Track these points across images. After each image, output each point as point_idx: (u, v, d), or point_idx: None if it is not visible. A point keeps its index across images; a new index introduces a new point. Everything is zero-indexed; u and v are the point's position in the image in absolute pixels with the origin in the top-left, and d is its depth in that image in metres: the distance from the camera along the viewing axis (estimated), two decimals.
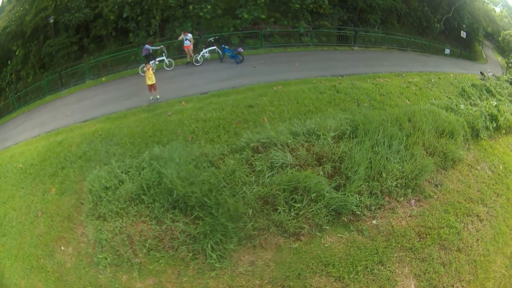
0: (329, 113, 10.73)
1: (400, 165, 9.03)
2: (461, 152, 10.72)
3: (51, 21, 15.05)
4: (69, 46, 16.76)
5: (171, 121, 10.61)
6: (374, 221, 8.35)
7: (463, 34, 21.36)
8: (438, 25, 21.18)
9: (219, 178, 7.96)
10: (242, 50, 14.20)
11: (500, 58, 23.56)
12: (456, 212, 9.07)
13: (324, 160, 8.57)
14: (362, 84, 13.26)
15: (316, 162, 8.55)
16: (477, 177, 10.67)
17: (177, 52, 15.75)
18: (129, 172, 8.53)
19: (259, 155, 8.64)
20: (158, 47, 14.07)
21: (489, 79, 19.06)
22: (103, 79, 15.60)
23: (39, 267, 8.35)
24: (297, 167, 8.34)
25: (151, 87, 11.88)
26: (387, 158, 8.93)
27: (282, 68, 14.01)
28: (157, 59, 14.19)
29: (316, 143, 8.77)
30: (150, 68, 11.74)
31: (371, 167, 8.64)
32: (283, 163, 8.33)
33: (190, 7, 16.21)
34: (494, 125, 13.72)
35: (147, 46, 13.86)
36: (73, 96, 15.04)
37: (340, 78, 13.51)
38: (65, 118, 12.94)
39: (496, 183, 10.78)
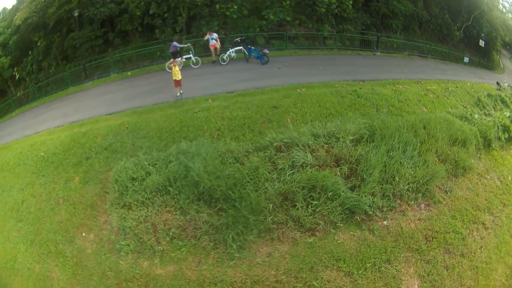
0: (349, 117, 12.11)
1: (412, 170, 10.29)
2: (472, 161, 11.64)
3: (76, 14, 16.83)
4: (94, 39, 18.80)
5: (197, 118, 12.15)
6: (385, 222, 9.60)
7: (482, 42, 22.61)
8: (458, 33, 22.53)
9: (243, 173, 9.27)
10: (267, 51, 15.86)
11: None
12: (463, 219, 10.01)
13: (342, 161, 10.01)
14: (382, 90, 14.71)
15: (334, 163, 10.03)
16: (485, 186, 11.52)
17: (203, 50, 17.62)
18: (156, 164, 9.59)
19: (282, 154, 10.16)
20: (186, 45, 15.82)
21: (504, 89, 20.07)
22: (129, 73, 17.50)
23: (57, 252, 9.13)
24: (316, 167, 9.81)
25: (177, 83, 13.37)
26: (400, 163, 10.18)
27: (306, 70, 15.58)
28: (184, 57, 15.95)
29: (336, 145, 10.25)
30: (177, 65, 13.23)
31: (385, 171, 9.97)
32: (303, 163, 9.80)
33: (217, 6, 18.03)
34: (506, 136, 14.82)
35: (174, 43, 15.60)
36: (97, 89, 16.94)
37: (361, 83, 14.98)
38: (90, 110, 14.56)
39: (504, 193, 11.62)
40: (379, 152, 10.03)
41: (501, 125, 14.99)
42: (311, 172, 9.52)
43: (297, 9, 19.79)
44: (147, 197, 8.94)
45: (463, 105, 16.31)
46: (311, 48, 19.23)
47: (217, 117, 12.08)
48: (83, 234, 9.20)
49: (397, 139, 10.57)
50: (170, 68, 13.50)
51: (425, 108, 14.49)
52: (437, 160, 10.92)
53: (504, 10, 25.55)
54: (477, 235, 10.13)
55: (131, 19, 18.50)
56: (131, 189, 9.13)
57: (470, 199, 10.84)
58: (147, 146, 10.77)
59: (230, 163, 9.79)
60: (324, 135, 10.55)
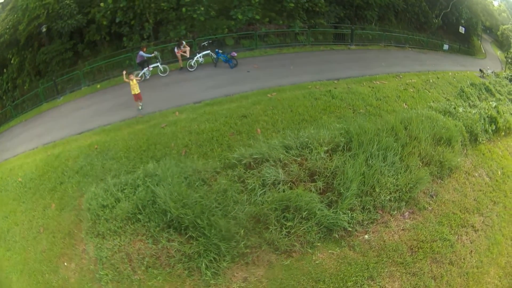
0: (323, 121, 10.56)
1: (394, 178, 8.87)
2: (458, 159, 10.46)
3: (44, 30, 14.82)
4: (63, 52, 16.56)
5: (164, 134, 10.52)
6: (366, 236, 8.24)
7: (462, 29, 20.91)
8: (436, 21, 20.65)
9: (211, 199, 7.92)
10: (235, 54, 13.93)
11: (499, 53, 23.13)
12: (451, 224, 8.90)
13: (316, 176, 8.46)
14: (358, 88, 13.00)
15: (308, 177, 8.45)
16: (474, 184, 10.42)
17: (172, 56, 15.51)
18: (125, 190, 8.53)
19: (252, 171, 8.56)
20: (152, 54, 13.80)
21: (488, 76, 18.66)
22: (98, 86, 15.47)
23: (45, 282, 8.49)
24: (289, 184, 8.25)
25: (137, 96, 11.83)
26: (381, 172, 8.76)
27: (277, 72, 13.72)
28: (151, 66, 13.98)
29: (309, 157, 8.64)
30: (134, 78, 11.60)
31: (365, 182, 8.50)
32: (275, 180, 8.23)
33: (183, 9, 15.86)
34: (493, 127, 13.42)
35: (141, 53, 13.63)
36: (69, 105, 14.96)
37: (336, 82, 13.24)
38: (62, 129, 12.88)
39: (494, 190, 10.56)
40: (356, 162, 8.54)
41: (487, 117, 13.44)
42: (284, 190, 8.15)
43: (266, 6, 17.62)
44: (118, 226, 8.03)
45: (445, 98, 14.76)
46: (283, 46, 17.21)
47: (184, 132, 10.43)
48: (65, 264, 8.51)
49: (376, 146, 9.21)
50: (131, 80, 11.63)
51: (406, 104, 12.85)
52: (420, 164, 9.61)
53: None
54: (466, 239, 8.88)
55: (98, 29, 16.30)
56: (102, 217, 8.24)
57: (457, 202, 9.53)
58: (116, 168, 9.57)
59: (197, 186, 8.49)
60: (296, 147, 9.00)
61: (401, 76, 15.11)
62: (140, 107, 12.02)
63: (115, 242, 7.91)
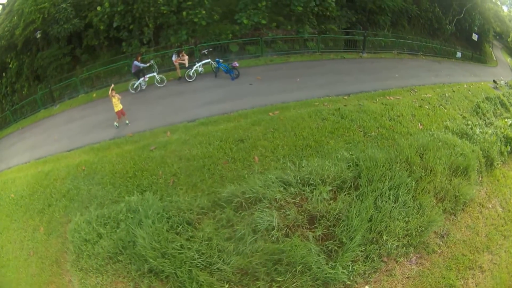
0: (330, 147, 9.14)
1: (405, 222, 7.51)
2: (474, 191, 9.37)
3: (38, 36, 13.77)
4: (61, 57, 15.52)
5: (153, 158, 9.30)
6: (366, 287, 6.96)
7: (475, 36, 19.48)
8: (450, 27, 18.86)
9: (194, 248, 6.73)
10: (237, 64, 12.51)
11: (509, 60, 21.77)
12: (459, 267, 7.79)
13: (317, 220, 7.11)
14: (370, 105, 11.42)
15: (307, 222, 7.11)
16: (486, 218, 9.32)
17: (172, 63, 14.28)
18: (107, 225, 7.81)
19: (243, 213, 7.28)
20: (148, 64, 12.57)
21: (502, 87, 17.08)
22: (94, 95, 14.41)
23: None
24: (284, 230, 6.94)
25: (120, 113, 10.85)
26: (390, 215, 7.37)
27: (281, 85, 12.24)
28: (147, 75, 12.76)
29: (310, 198, 7.29)
30: (116, 95, 10.65)
31: (371, 228, 7.13)
32: (269, 225, 6.95)
33: (184, 13, 14.49)
34: (509, 148, 12.10)
35: (136, 62, 12.40)
36: (63, 115, 13.99)
37: (346, 98, 11.68)
38: (53, 143, 12.05)
39: (505, 223, 9.42)
40: (364, 206, 7.13)
41: (503, 137, 12.24)
42: (278, 237, 6.86)
43: (274, 10, 16.04)
44: (100, 264, 7.41)
45: (461, 115, 13.02)
46: (291, 53, 15.66)
47: (174, 157, 9.19)
48: None
49: (388, 183, 7.80)
50: (113, 96, 10.81)
51: (421, 125, 11.19)
52: (434, 201, 8.37)
53: (493, 0, 22.50)
54: (472, 282, 7.78)
55: (96, 33, 15.16)
56: (85, 252, 7.66)
57: (468, 241, 8.40)
58: (101, 196, 8.74)
59: (181, 229, 7.35)
60: (297, 183, 7.64)
61: (415, 90, 13.40)
62: (127, 122, 11.01)
63: (97, 280, 7.34)
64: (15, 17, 14.96)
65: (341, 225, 6.97)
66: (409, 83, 13.85)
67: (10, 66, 16.40)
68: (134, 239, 7.16)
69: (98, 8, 14.33)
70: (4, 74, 16.83)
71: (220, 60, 12.73)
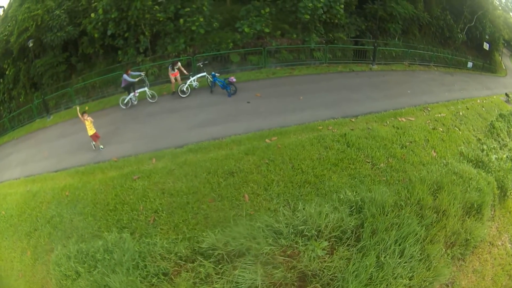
0: (332, 184, 7.84)
1: (408, 278, 6.22)
2: (485, 230, 8.42)
3: (30, 44, 12.78)
4: (56, 65, 14.60)
5: (135, 190, 8.18)
6: None
7: (486, 46, 18.39)
8: (461, 35, 17.43)
9: None
10: (234, 80, 11.17)
11: None
12: None
13: (308, 280, 5.85)
14: (380, 130, 10.00)
15: (296, 282, 5.85)
16: (495, 258, 8.37)
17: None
18: (85, 263, 7.00)
19: (225, 267, 6.08)
20: (137, 78, 11.39)
21: None
22: (87, 107, 13.27)
23: None
24: None
25: (94, 136, 9.90)
26: (393, 272, 6.06)
27: (282, 104, 10.86)
28: (137, 91, 11.62)
29: (303, 252, 6.02)
30: (88, 119, 9.67)
31: None
32: (251, 284, 5.74)
33: (181, 20, 13.24)
34: None
35: (125, 76, 11.21)
36: (56, 128, 13.12)
37: (353, 120, 10.27)
38: (43, 160, 11.21)
39: None
40: (363, 264, 5.80)
41: None
42: None
43: (279, 16, 14.62)
44: None
45: (476, 137, 11.67)
46: (296, 64, 14.22)
47: (157, 190, 8.02)
48: None
49: (395, 234, 6.49)
50: (85, 120, 9.80)
51: (434, 152, 9.80)
52: (444, 249, 7.25)
53: (501, 7, 21.46)
54: None
55: (91, 41, 14.13)
56: None
57: None
58: (82, 227, 7.92)
59: (156, 280, 6.29)
60: (288, 233, 6.32)
61: (429, 109, 11.96)
62: (101, 147, 10.02)
63: None
64: (10, 24, 14.02)
65: (336, 286, 5.65)
66: (422, 100, 12.42)
67: (7, 72, 15.66)
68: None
69: (92, 15, 13.23)
70: (1, 80, 16.10)
71: (217, 74, 11.41)
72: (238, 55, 13.68)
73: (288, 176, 7.90)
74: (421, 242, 6.88)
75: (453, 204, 7.77)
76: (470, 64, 17.85)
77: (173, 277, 6.22)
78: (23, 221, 9.08)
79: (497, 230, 9.03)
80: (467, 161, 9.97)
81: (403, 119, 10.98)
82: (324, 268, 5.94)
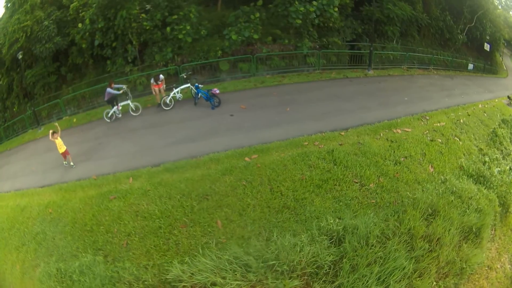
0: (313, 209, 7.14)
1: None
2: (484, 254, 7.64)
3: (20, 56, 12.47)
4: (47, 76, 14.32)
5: (111, 211, 7.76)
6: None
7: (487, 46, 17.56)
8: (461, 36, 16.37)
9: None
10: (217, 91, 10.53)
11: None
12: None
13: None
14: (372, 144, 9.18)
15: None
16: (492, 283, 7.58)
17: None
18: (63, 283, 6.87)
19: None
20: (120, 91, 10.90)
21: None
22: (74, 119, 13.09)
23: None
24: None
25: (64, 154, 9.71)
26: None
27: (267, 116, 10.16)
28: (120, 104, 11.15)
29: None
30: (58, 137, 9.54)
31: None
32: None
33: (168, 29, 12.65)
34: None
35: (108, 89, 10.77)
36: (44, 140, 12.76)
37: (343, 133, 9.47)
38: (30, 175, 11.04)
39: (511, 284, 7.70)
40: None
41: None
42: None
43: (272, 21, 13.85)
44: None
45: (477, 147, 10.76)
46: (288, 71, 13.45)
47: (131, 212, 7.53)
48: None
49: (378, 269, 5.77)
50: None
51: (432, 167, 8.94)
52: (435, 282, 6.47)
53: (501, 7, 20.65)
54: None
55: (80, 51, 13.73)
56: None
57: None
58: (62, 246, 7.72)
59: None
60: (258, 267, 5.70)
61: (427, 118, 11.04)
62: (71, 164, 9.77)
63: None
64: (1, 36, 13.80)
65: None
66: (420, 109, 11.51)
67: (1, 82, 15.51)
68: None
69: (79, 25, 12.78)
70: None
71: (200, 85, 10.79)
72: (228, 63, 13.03)
73: (266, 200, 7.24)
74: (409, 276, 6.15)
75: (449, 231, 6.99)
76: (471, 66, 17.06)
77: None
78: (12, 235, 8.96)
79: (497, 252, 8.32)
80: (468, 176, 9.16)
81: (399, 131, 10.13)
82: None
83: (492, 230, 8.39)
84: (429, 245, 6.65)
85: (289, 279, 5.56)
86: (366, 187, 7.88)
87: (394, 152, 9.10)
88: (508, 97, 15.20)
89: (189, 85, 10.93)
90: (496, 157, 10.74)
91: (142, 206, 7.66)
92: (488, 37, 18.29)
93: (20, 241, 8.56)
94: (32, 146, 13.27)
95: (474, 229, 7.39)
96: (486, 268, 7.76)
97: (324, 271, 5.82)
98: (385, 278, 5.88)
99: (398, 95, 12.08)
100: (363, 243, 6.20)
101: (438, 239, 6.82)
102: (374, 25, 13.86)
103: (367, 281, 5.73)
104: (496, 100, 14.91)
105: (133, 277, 6.29)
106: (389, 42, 14.98)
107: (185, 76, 11.18)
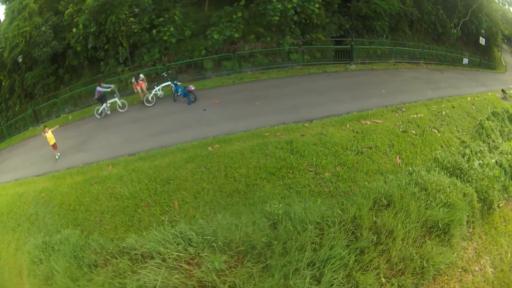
0: (263, 194, 8.35)
1: None
2: (455, 255, 7.68)
3: (20, 60, 14.98)
4: (46, 77, 16.79)
5: (91, 193, 9.62)
6: None
7: (482, 40, 17.91)
8: (455, 31, 16.99)
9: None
10: (193, 88, 12.30)
11: None
12: None
13: None
14: (335, 134, 10.33)
15: None
16: None
17: (148, 80, 14.63)
18: (46, 252, 8.51)
19: (139, 266, 7.15)
20: (108, 89, 12.97)
21: (511, 97, 15.55)
22: (70, 117, 15.33)
23: None
24: None
25: (53, 147, 11.71)
26: None
27: (238, 110, 11.70)
28: (109, 101, 13.20)
29: (206, 262, 6.86)
30: (49, 131, 11.52)
31: None
32: (155, 285, 6.72)
33: (154, 31, 14.65)
34: None
35: (98, 88, 12.87)
36: (43, 136, 15.17)
37: (306, 125, 10.76)
38: (29, 167, 13.10)
39: None
40: (267, 284, 6.22)
41: (509, 166, 10.40)
42: None
43: (257, 20, 15.46)
44: (39, 284, 8.13)
45: (459, 139, 11.29)
46: (271, 68, 14.98)
47: (106, 194, 9.38)
48: None
49: (309, 255, 6.53)
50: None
51: (400, 158, 9.66)
52: (384, 280, 6.74)
53: (497, 1, 21.17)
54: None
55: (76, 53, 16.10)
56: (32, 272, 8.45)
57: None
58: (49, 224, 9.53)
59: (87, 269, 7.59)
60: (198, 242, 7.16)
61: (403, 109, 11.79)
62: (57, 157, 11.77)
63: None
64: (2, 41, 16.44)
65: None
66: (397, 101, 12.34)
67: (3, 84, 18.20)
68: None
69: (74, 29, 15.11)
70: None
71: (178, 83, 12.62)
72: (211, 62, 14.76)
73: (219, 185, 8.71)
74: (352, 268, 6.57)
75: (405, 224, 7.29)
76: (466, 61, 17.65)
77: (100, 269, 7.42)
78: (10, 218, 10.77)
79: (475, 252, 8.31)
80: (442, 168, 9.47)
81: (368, 122, 10.91)
82: (220, 283, 6.42)
83: (469, 227, 8.57)
84: (377, 237, 7.04)
85: (224, 255, 6.70)
86: (321, 175, 8.92)
87: (357, 142, 10.00)
88: (502, 90, 15.60)
89: (169, 83, 12.78)
90: (480, 149, 11.02)
91: (116, 189, 9.46)
92: (483, 31, 18.76)
93: (16, 223, 10.32)
94: (32, 142, 15.57)
95: (440, 225, 7.58)
96: (460, 270, 7.76)
97: (257, 252, 6.66)
98: (320, 266, 6.38)
99: (376, 88, 13.05)
100: (299, 228, 6.87)
101: (390, 231, 7.15)
102: (362, 21, 15.03)
103: (297, 265, 6.32)
104: (489, 94, 15.29)
105: (99, 246, 7.93)
106: (378, 37, 16.05)
107: (165, 75, 13.04)
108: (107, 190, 9.60)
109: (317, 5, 14.50)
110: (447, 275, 7.55)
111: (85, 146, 12.20)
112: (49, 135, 11.49)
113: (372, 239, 7.03)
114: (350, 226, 7.20)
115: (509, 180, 10.17)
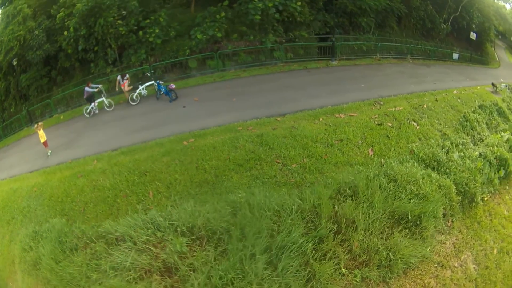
0: (231, 184, 9.24)
1: None
2: (428, 249, 7.85)
3: (14, 63, 16.30)
4: (40, 79, 18.12)
5: (77, 186, 10.72)
6: None
7: (473, 35, 18.66)
8: (445, 26, 17.47)
9: (67, 272, 8.08)
10: (174, 86, 13.37)
11: None
12: None
13: (173, 271, 7.55)
14: (306, 128, 11.12)
15: (159, 271, 7.57)
16: (444, 285, 7.66)
17: (135, 80, 15.73)
18: (35, 240, 9.45)
19: (112, 249, 8.21)
20: (96, 89, 14.15)
21: (502, 91, 15.83)
22: (61, 116, 16.57)
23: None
24: (139, 273, 7.66)
25: (44, 144, 12.75)
26: (259, 284, 6.67)
27: (215, 106, 12.66)
28: (97, 101, 14.36)
29: (170, 245, 7.84)
30: (41, 128, 12.62)
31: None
32: (126, 265, 7.75)
33: (140, 33, 15.77)
34: (502, 174, 10.57)
35: (86, 88, 14.09)
36: (36, 136, 16.26)
37: (279, 119, 11.62)
38: (24, 164, 14.26)
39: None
40: (221, 267, 6.98)
41: (495, 158, 10.61)
42: (133, 278, 7.53)
43: (241, 19, 16.44)
44: (29, 270, 9.04)
45: (441, 132, 11.78)
46: (254, 66, 15.93)
47: (90, 187, 10.46)
48: (10, 284, 10.15)
49: (264, 241, 7.20)
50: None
51: (372, 150, 10.31)
52: (344, 270, 7.12)
53: None
54: None
55: (67, 56, 17.37)
56: (23, 259, 9.35)
57: None
58: (40, 215, 10.53)
59: (69, 253, 8.64)
60: (165, 227, 8.13)
61: (381, 103, 12.39)
62: (48, 154, 12.91)
63: (28, 281, 9.08)
64: None
65: (190, 284, 6.93)
66: (375, 94, 12.88)
67: None
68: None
69: (65, 32, 16.36)
70: None
71: (161, 82, 13.70)
72: (196, 61, 15.80)
73: (190, 176, 9.70)
74: (311, 256, 6.99)
75: (368, 214, 7.57)
76: (455, 56, 18.16)
77: (80, 252, 8.47)
78: (5, 212, 11.73)
79: (455, 247, 8.37)
80: (417, 160, 9.74)
81: (342, 116, 11.53)
82: (181, 264, 7.20)
83: (447, 221, 8.70)
84: (338, 227, 7.41)
85: (185, 238, 7.60)
86: (288, 167, 9.74)
87: (328, 135, 10.71)
88: (493, 84, 16.06)
89: (152, 82, 13.87)
90: (463, 142, 11.40)
91: (99, 181, 10.53)
92: (474, 26, 19.14)
93: (10, 216, 11.29)
94: (26, 141, 16.80)
95: (410, 216, 7.79)
96: (436, 265, 7.82)
97: (217, 236, 7.47)
98: (278, 252, 6.90)
99: (355, 83, 13.75)
100: (258, 214, 7.54)
101: (351, 221, 7.52)
102: (348, 18, 15.83)
103: (252, 251, 6.91)
104: (479, 88, 15.72)
105: (81, 232, 9.00)
106: (364, 34, 16.79)
107: (149, 75, 14.15)
108: (91, 183, 10.65)
109: (299, 3, 15.36)
110: (421, 270, 7.67)
111: (75, 143, 13.34)
112: (41, 132, 12.64)
113: (332, 229, 7.42)
114: (310, 215, 7.69)
115: (494, 173, 10.32)
